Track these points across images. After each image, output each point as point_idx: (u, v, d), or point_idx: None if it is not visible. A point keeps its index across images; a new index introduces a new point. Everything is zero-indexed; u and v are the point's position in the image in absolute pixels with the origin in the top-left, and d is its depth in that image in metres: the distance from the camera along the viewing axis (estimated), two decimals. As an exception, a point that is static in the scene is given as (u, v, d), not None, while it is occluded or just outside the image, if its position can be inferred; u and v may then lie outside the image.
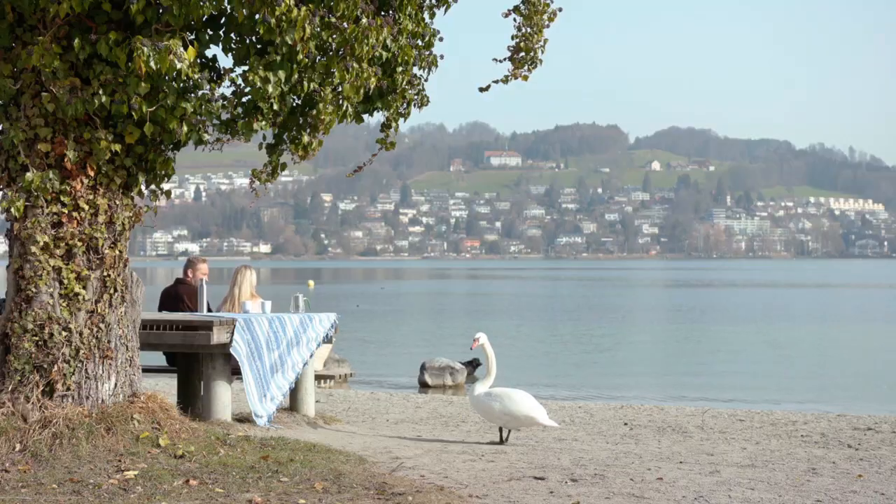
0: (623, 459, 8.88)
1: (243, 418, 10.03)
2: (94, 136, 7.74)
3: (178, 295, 11.17)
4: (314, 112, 8.06)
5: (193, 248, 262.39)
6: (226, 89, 7.85)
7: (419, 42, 8.64)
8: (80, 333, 7.79)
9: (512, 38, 9.08)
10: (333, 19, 7.65)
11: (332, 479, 7.24)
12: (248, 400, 9.83)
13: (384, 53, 8.27)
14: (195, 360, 10.10)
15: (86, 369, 7.82)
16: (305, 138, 8.28)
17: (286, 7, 7.31)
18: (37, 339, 7.67)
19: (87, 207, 7.84)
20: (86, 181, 7.85)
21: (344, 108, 8.14)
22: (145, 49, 7.08)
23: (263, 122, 7.90)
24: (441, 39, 8.77)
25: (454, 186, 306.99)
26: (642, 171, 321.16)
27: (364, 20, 7.81)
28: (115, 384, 7.97)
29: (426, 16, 8.68)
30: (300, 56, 7.57)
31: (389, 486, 7.11)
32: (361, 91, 8.06)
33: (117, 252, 8.00)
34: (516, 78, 9.13)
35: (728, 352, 28.17)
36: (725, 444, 10.16)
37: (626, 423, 11.81)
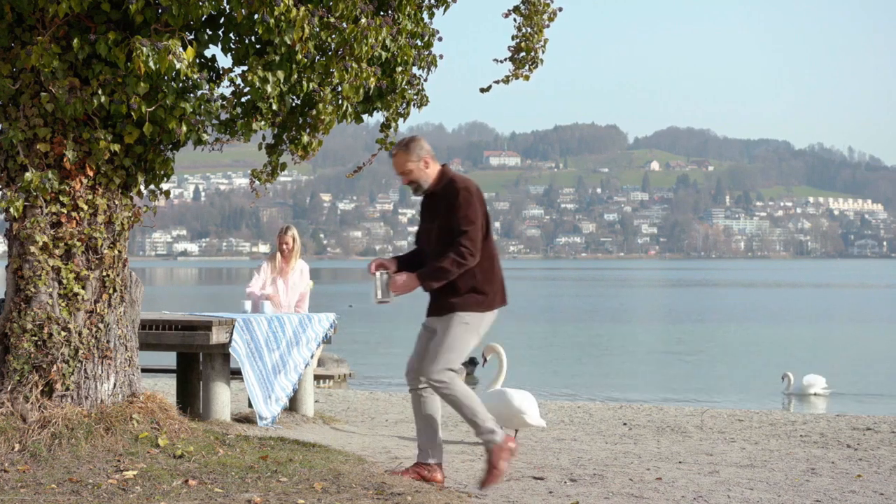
0: (622, 459, 8.88)
1: (242, 418, 10.03)
2: (93, 136, 7.73)
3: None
4: (314, 112, 8.06)
5: (193, 247, 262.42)
6: (225, 89, 7.84)
7: (418, 42, 8.63)
8: (80, 333, 7.78)
9: (512, 38, 9.06)
10: (332, 19, 7.64)
11: (331, 479, 7.24)
12: (251, 401, 9.82)
13: (383, 53, 8.26)
14: (194, 360, 10.11)
15: (85, 369, 7.81)
16: (305, 138, 8.28)
17: (285, 7, 7.31)
18: (36, 339, 7.67)
19: (86, 207, 7.83)
20: (85, 181, 7.85)
21: (344, 108, 8.13)
22: (144, 49, 7.08)
23: (263, 122, 7.90)
24: (440, 39, 8.76)
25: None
26: (641, 171, 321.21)
27: (363, 20, 7.80)
28: (115, 384, 7.96)
29: (425, 16, 8.67)
30: (299, 56, 7.56)
31: (388, 485, 7.10)
32: (361, 91, 8.06)
33: (116, 252, 8.00)
34: (517, 78, 9.11)
35: (727, 352, 28.17)
36: (724, 444, 10.16)
37: (625, 423, 11.80)
